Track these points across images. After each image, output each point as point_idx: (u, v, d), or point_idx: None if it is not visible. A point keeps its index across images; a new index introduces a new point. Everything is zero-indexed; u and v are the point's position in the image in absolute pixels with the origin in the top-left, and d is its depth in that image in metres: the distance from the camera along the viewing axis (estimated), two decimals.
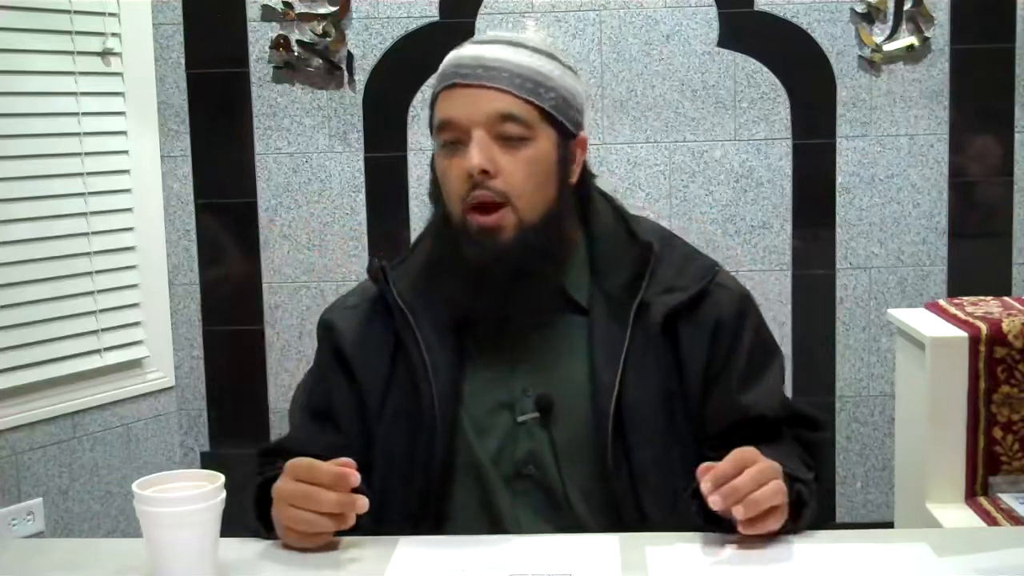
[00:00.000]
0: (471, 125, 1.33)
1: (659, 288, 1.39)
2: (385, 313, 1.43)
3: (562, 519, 1.36)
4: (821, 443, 1.46)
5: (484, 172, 1.31)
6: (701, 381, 1.38)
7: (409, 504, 1.38)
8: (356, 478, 1.22)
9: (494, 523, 1.37)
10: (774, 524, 1.23)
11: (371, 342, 1.43)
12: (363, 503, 1.22)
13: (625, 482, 1.34)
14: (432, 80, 1.45)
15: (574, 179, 1.41)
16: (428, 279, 1.42)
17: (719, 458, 1.26)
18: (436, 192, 1.41)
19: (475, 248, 1.33)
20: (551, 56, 1.39)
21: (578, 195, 1.44)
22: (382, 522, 1.35)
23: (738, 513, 1.19)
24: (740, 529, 1.22)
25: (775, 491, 1.22)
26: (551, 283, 1.39)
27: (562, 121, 1.37)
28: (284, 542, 1.29)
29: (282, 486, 1.27)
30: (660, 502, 1.34)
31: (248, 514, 1.36)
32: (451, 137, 1.35)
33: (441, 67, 1.40)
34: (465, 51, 1.38)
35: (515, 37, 1.40)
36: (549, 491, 1.37)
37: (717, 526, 1.27)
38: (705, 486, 1.19)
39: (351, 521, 1.24)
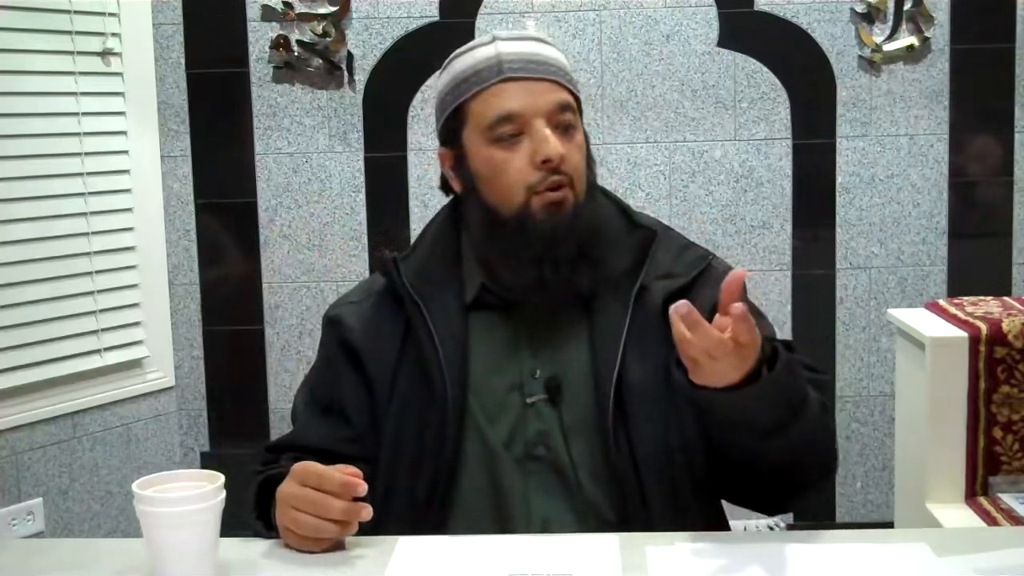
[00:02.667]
0: (533, 116, 1.38)
1: (658, 273, 1.43)
2: (393, 304, 1.46)
3: (573, 498, 1.38)
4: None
5: (561, 157, 1.37)
6: None
7: (417, 490, 1.39)
8: (363, 488, 1.23)
9: (504, 506, 1.38)
10: (734, 363, 1.19)
11: (380, 333, 1.45)
12: (368, 512, 1.24)
13: (627, 460, 1.36)
14: (435, 79, 1.47)
15: None
16: (439, 268, 1.46)
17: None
18: (471, 184, 1.42)
19: (543, 225, 1.37)
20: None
21: None
22: (390, 509, 1.36)
23: (736, 310, 1.15)
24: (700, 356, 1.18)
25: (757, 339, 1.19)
26: (608, 262, 1.42)
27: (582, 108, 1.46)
28: (285, 543, 1.29)
29: (288, 489, 1.27)
30: (660, 481, 1.36)
31: (248, 512, 1.36)
32: (513, 130, 1.38)
33: (464, 67, 1.42)
34: (503, 48, 1.41)
35: (532, 34, 1.46)
36: (560, 471, 1.39)
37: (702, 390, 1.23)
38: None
39: (354, 529, 1.26)
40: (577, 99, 1.44)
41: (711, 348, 1.16)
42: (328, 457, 1.31)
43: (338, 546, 1.28)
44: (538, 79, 1.39)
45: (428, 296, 1.43)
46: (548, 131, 1.37)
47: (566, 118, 1.39)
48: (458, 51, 1.46)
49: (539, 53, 1.42)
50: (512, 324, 1.43)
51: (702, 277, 1.44)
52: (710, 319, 1.37)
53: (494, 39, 1.43)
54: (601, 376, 1.38)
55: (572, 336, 1.42)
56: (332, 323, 1.50)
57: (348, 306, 1.51)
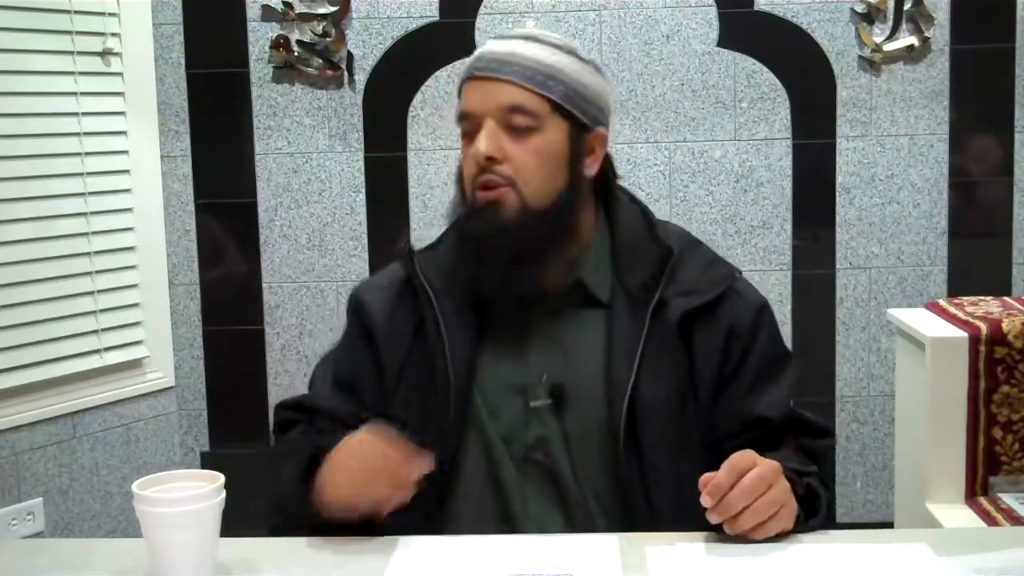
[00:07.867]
0: (483, 115, 1.39)
1: (678, 289, 1.42)
2: (411, 294, 1.48)
3: (568, 505, 1.38)
4: (826, 450, 1.48)
5: (490, 159, 1.38)
6: (711, 386, 1.42)
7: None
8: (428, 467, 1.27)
9: (500, 499, 1.39)
10: (779, 526, 1.26)
11: (396, 320, 1.48)
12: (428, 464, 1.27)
13: (636, 476, 1.36)
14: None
15: (591, 172, 1.45)
16: (451, 261, 1.47)
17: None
18: (459, 176, 1.46)
19: (477, 220, 1.40)
20: (570, 52, 1.44)
21: (598, 190, 1.48)
22: None
23: (733, 528, 1.22)
24: (749, 536, 1.24)
25: (775, 499, 1.24)
26: (553, 267, 1.43)
27: (574, 113, 1.41)
28: (329, 496, 1.29)
29: (369, 438, 1.29)
30: (670, 496, 1.36)
31: (289, 468, 1.36)
32: (468, 127, 1.42)
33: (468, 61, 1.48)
34: (487, 47, 1.44)
35: (536, 33, 1.45)
36: (557, 477, 1.39)
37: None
38: (705, 500, 1.22)
39: (408, 496, 1.28)
40: (551, 101, 1.39)
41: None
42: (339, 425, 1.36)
43: (369, 526, 1.29)
44: (496, 79, 1.40)
45: (440, 288, 1.45)
46: (489, 132, 1.38)
47: (517, 120, 1.39)
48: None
49: (513, 52, 1.41)
50: (526, 325, 1.43)
51: (724, 296, 1.43)
52: (728, 340, 1.42)
53: (497, 37, 1.47)
54: (614, 390, 1.38)
55: (586, 345, 1.42)
56: (357, 304, 1.53)
57: (373, 289, 1.54)
